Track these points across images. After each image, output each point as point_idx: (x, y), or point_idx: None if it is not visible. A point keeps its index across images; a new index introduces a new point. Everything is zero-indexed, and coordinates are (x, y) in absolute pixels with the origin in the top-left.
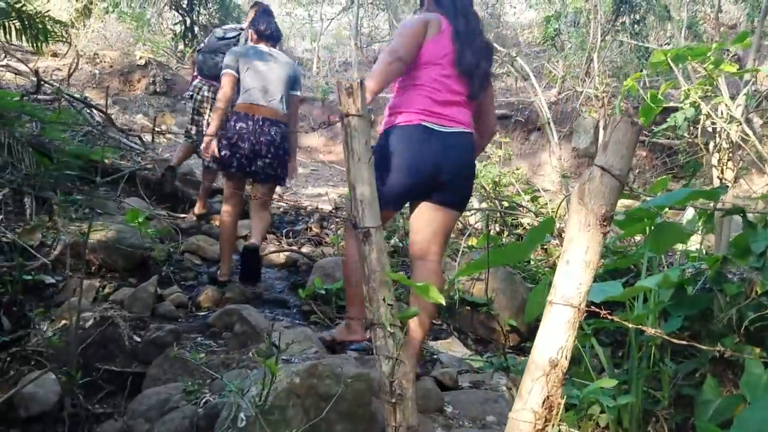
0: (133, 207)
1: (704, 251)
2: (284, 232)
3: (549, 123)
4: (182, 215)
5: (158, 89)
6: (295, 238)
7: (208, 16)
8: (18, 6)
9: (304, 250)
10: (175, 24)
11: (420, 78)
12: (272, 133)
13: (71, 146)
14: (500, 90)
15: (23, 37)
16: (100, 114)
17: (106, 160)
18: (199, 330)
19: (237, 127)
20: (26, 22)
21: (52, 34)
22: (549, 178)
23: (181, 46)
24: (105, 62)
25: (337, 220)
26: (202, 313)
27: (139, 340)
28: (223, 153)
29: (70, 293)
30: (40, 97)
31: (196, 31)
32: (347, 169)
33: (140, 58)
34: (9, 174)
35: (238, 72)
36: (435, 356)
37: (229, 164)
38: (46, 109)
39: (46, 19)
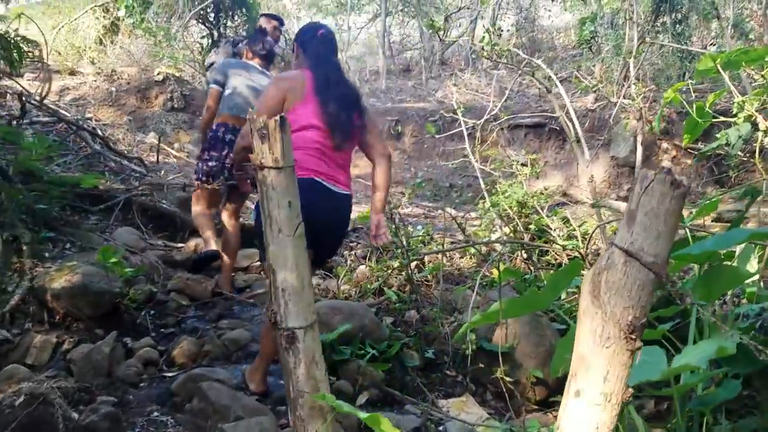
0: (108, 244)
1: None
2: None
3: (579, 140)
4: (179, 245)
5: (176, 105)
6: None
7: (234, 29)
8: None
9: (312, 282)
10: (202, 38)
11: (302, 141)
12: None
13: (52, 174)
14: (533, 97)
15: None
16: (99, 137)
17: (101, 186)
18: (159, 399)
19: (227, 140)
20: None
21: (27, 54)
22: (587, 188)
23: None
24: (122, 79)
25: (351, 244)
26: (171, 373)
27: (77, 417)
28: (212, 165)
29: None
30: (42, 119)
31: (223, 44)
32: (264, 243)
33: (158, 73)
34: None
35: (223, 86)
36: (441, 428)
37: (220, 176)
38: (46, 134)
39: (19, 39)
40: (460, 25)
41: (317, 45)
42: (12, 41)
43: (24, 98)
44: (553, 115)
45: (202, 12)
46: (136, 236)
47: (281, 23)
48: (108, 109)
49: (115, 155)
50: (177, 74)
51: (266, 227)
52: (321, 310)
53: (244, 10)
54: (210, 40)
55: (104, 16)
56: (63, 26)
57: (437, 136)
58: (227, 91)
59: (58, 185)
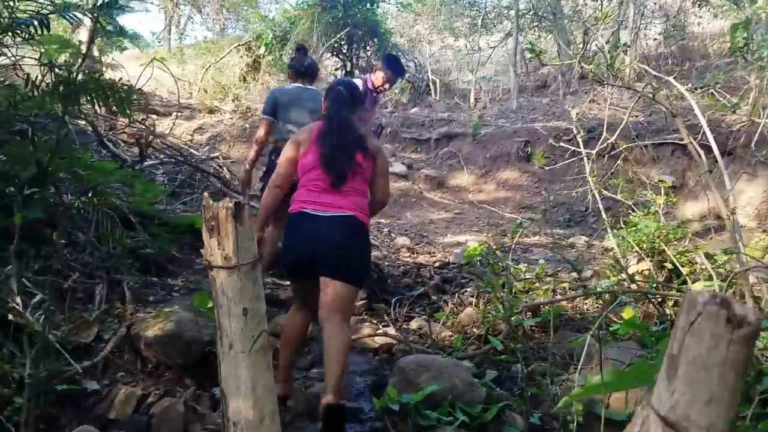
0: (204, 289)
1: None
2: (394, 301)
3: (711, 171)
4: (286, 282)
5: None
6: (403, 310)
7: (367, 59)
8: (97, 76)
9: (413, 325)
10: (336, 69)
11: (303, 179)
12: None
13: (172, 214)
14: (682, 110)
15: (100, 105)
16: (214, 176)
17: None
18: None
19: None
20: (107, 92)
21: (134, 101)
22: (744, 210)
23: None
24: (257, 116)
25: (464, 280)
26: None
27: None
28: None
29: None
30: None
31: (356, 75)
32: (218, 361)
33: None
34: (87, 255)
35: (274, 114)
36: None
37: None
38: (176, 173)
39: (125, 87)
40: (602, 36)
41: (331, 100)
42: (119, 89)
43: (142, 141)
44: (679, 136)
45: (336, 45)
46: None
47: (398, 73)
48: (242, 145)
49: (234, 193)
50: None
51: (217, 340)
52: (406, 366)
53: (375, 39)
54: (344, 71)
55: (247, 55)
56: (210, 66)
57: (547, 168)
58: (279, 119)
59: (173, 226)
